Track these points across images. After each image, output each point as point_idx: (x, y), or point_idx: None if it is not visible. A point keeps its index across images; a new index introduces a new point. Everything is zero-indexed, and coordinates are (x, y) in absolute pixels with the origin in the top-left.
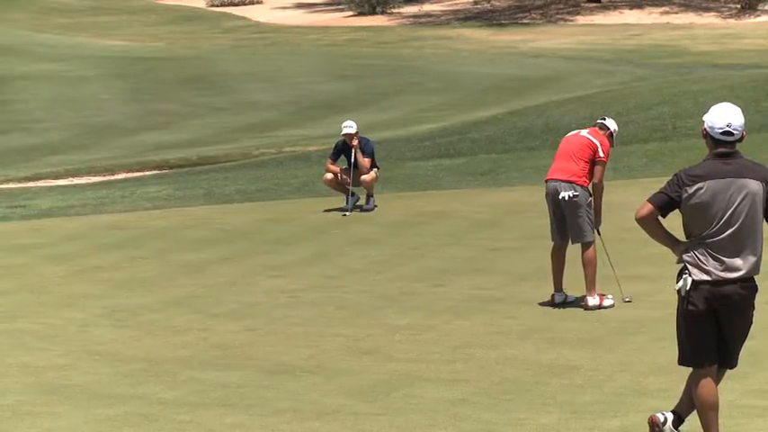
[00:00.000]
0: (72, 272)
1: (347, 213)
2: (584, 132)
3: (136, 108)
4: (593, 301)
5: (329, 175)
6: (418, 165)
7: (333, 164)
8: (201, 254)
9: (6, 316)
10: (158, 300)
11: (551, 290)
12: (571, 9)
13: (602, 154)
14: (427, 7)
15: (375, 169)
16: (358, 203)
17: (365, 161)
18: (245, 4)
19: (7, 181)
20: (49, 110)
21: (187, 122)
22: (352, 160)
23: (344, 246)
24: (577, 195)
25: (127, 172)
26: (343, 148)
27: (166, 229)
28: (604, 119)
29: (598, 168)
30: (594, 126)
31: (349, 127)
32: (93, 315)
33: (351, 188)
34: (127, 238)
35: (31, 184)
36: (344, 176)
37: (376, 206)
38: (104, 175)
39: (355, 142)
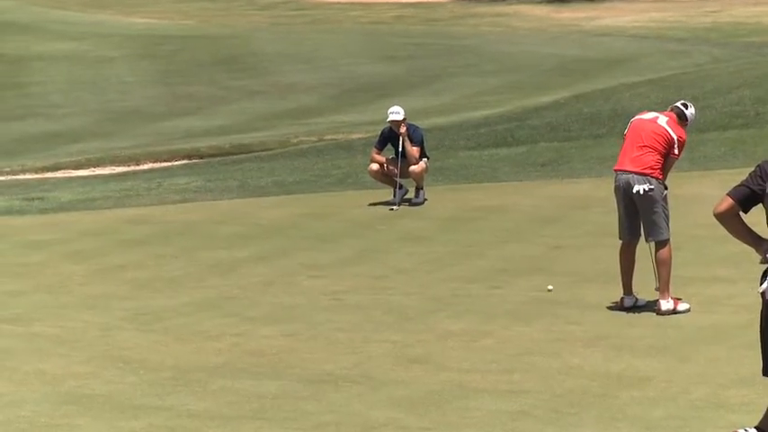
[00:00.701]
0: (93, 271)
1: (394, 208)
2: (661, 120)
3: (163, 92)
4: (666, 305)
5: (375, 166)
6: (473, 154)
7: (378, 153)
8: (235, 251)
9: (22, 319)
10: (187, 302)
11: (620, 292)
12: None
13: (677, 151)
14: None
15: (425, 159)
16: (406, 197)
17: (414, 150)
18: None
19: (23, 171)
20: (69, 94)
21: (219, 108)
22: (400, 149)
23: (392, 243)
24: (653, 189)
25: (153, 162)
26: (389, 136)
27: (196, 225)
28: (686, 106)
29: (668, 163)
30: (672, 111)
31: (396, 113)
32: (116, 318)
33: (398, 180)
34: (153, 234)
35: (49, 174)
36: (391, 167)
37: (426, 200)
38: (129, 165)
39: (403, 130)
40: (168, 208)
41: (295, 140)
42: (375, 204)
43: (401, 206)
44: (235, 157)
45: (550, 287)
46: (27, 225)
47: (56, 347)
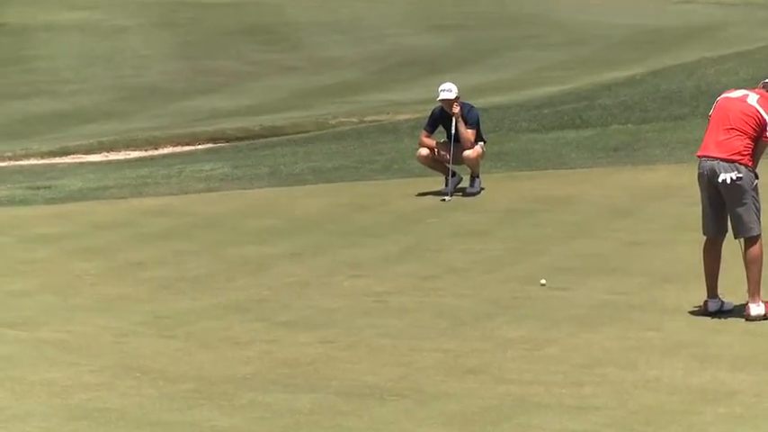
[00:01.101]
0: (106, 269)
1: (447, 198)
2: (751, 99)
3: (184, 66)
4: (756, 309)
5: (424, 151)
6: (535, 137)
7: (428, 136)
8: (266, 248)
9: (28, 323)
10: (212, 304)
11: (703, 295)
12: None
13: None
14: None
15: (481, 143)
16: (460, 186)
17: (468, 133)
18: None
19: (28, 156)
20: (79, 69)
21: (248, 84)
22: (453, 132)
23: (443, 238)
24: (741, 178)
25: (174, 145)
26: (440, 117)
27: (222, 217)
28: None
29: (759, 148)
30: (763, 88)
31: (447, 91)
32: (132, 322)
33: (451, 166)
34: (173, 228)
35: (57, 159)
36: (443, 152)
37: (482, 189)
38: (146, 150)
39: (456, 110)
40: (191, 198)
41: (333, 122)
42: (424, 194)
43: (454, 196)
44: (265, 140)
45: (543, 281)
46: (32, 217)
47: (64, 355)
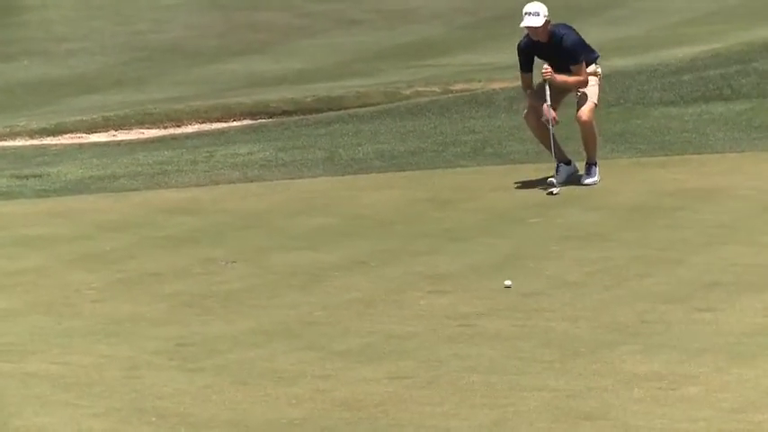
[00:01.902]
0: (114, 281)
1: (555, 191)
2: None
3: (215, 19)
4: None
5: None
6: (671, 112)
7: (530, 79)
8: (320, 254)
9: (12, 352)
10: (251, 328)
11: None
12: None
13: None
14: None
15: (594, 68)
16: (574, 174)
17: (572, 79)
18: None
19: (14, 135)
20: (79, 22)
21: (298, 43)
22: (547, 92)
23: (549, 243)
24: None
25: (201, 122)
26: (533, 48)
27: (264, 215)
28: None
29: None
30: None
31: (533, 15)
32: (147, 351)
33: (552, 128)
34: (201, 229)
35: (50, 140)
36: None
37: (599, 179)
38: (165, 128)
39: (547, 72)
40: (223, 190)
41: (408, 92)
42: (525, 186)
43: (564, 187)
44: (320, 115)
45: (508, 282)
46: (18, 214)
47: (60, 393)
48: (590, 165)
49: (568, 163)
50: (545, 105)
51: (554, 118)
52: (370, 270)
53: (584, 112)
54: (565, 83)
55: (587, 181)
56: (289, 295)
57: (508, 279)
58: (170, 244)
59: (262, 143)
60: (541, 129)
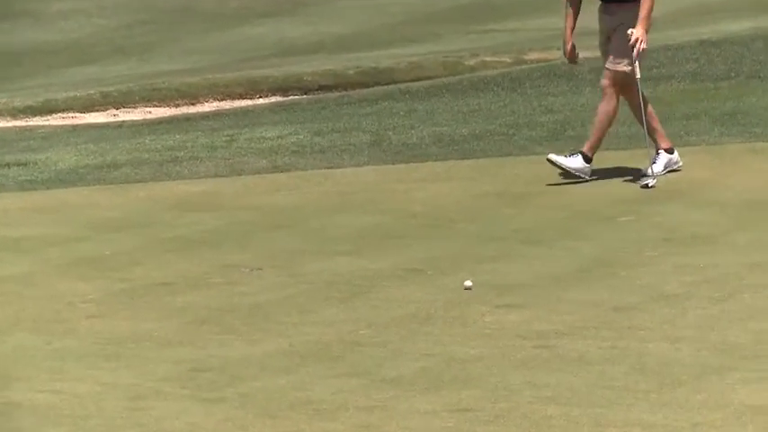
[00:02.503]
0: (115, 293)
1: (651, 182)
2: None
3: None
4: None
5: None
6: None
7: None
8: (365, 260)
9: None
10: (281, 349)
11: None
12: None
13: None
14: None
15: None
16: (675, 164)
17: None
18: None
19: None
20: None
21: (335, 3)
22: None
23: (645, 247)
24: None
25: (220, 99)
26: None
27: (297, 212)
28: None
29: None
30: None
31: None
32: (154, 377)
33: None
34: (220, 229)
35: (37, 120)
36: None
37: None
38: (177, 106)
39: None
40: (247, 182)
41: (472, 62)
42: (615, 176)
43: (661, 178)
44: (365, 91)
45: (468, 282)
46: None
47: (49, 428)
48: (658, 151)
49: (670, 150)
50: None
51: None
52: (425, 279)
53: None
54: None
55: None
56: (327, 310)
57: (469, 280)
58: (182, 247)
59: (294, 125)
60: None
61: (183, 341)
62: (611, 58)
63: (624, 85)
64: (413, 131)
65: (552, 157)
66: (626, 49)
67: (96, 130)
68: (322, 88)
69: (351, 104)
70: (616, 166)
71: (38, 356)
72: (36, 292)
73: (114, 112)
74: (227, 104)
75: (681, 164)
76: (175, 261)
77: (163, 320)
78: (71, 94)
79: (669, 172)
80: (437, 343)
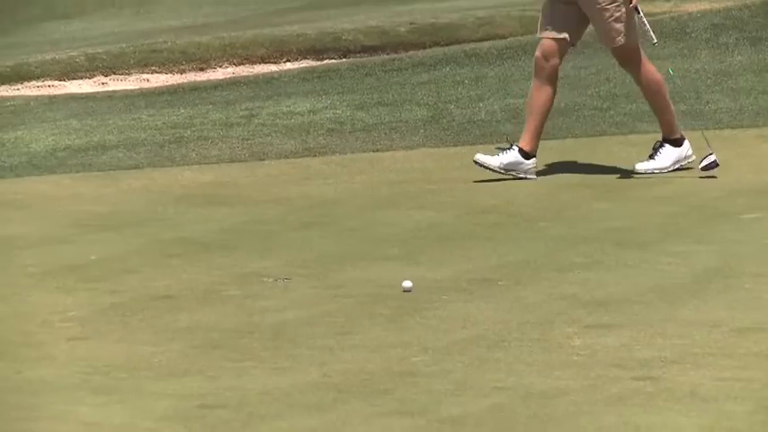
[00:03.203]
0: (102, 309)
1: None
2: None
3: None
4: None
5: None
6: None
7: None
8: (420, 267)
9: None
10: (312, 381)
11: None
12: None
13: None
14: None
15: None
16: None
17: None
18: None
19: None
20: None
21: None
22: None
23: None
24: None
25: (236, 64)
26: None
27: (334, 207)
28: None
29: None
30: None
31: None
32: (152, 415)
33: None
34: (236, 228)
35: (5, 90)
36: None
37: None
38: (182, 72)
39: None
40: (270, 169)
41: None
42: (740, 161)
43: None
44: (420, 53)
45: (407, 284)
46: None
47: None
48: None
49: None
50: None
51: None
52: (497, 292)
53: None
54: None
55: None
56: (371, 331)
57: (407, 281)
58: (189, 251)
59: (330, 96)
60: None
61: (190, 370)
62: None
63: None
64: (481, 104)
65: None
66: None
67: (80, 103)
68: (365, 50)
69: (402, 70)
70: (743, 150)
71: (5, 389)
72: (2, 308)
73: (102, 79)
74: (245, 70)
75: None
76: (180, 269)
77: (163, 344)
78: (48, 56)
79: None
80: (511, 373)
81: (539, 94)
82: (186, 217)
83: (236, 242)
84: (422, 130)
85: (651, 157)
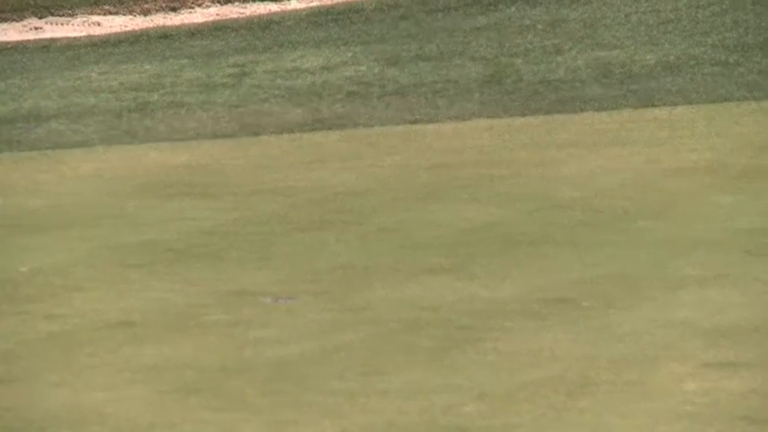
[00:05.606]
0: (36, 340)
1: None
2: None
3: None
4: None
5: None
6: None
7: None
8: (473, 284)
9: None
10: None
11: None
12: None
13: None
14: None
15: None
16: None
17: None
18: None
19: None
20: None
21: None
22: None
23: None
24: None
25: (222, 2)
26: None
27: (356, 199)
28: None
29: None
30: None
31: None
32: None
33: None
34: (222, 229)
35: None
36: None
37: None
38: (145, 12)
39: None
40: (269, 147)
41: None
42: None
43: None
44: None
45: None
46: None
47: None
48: None
49: None
50: None
51: None
52: (579, 317)
53: None
54: None
55: None
56: (407, 371)
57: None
58: (155, 261)
59: (351, 47)
60: None
61: (156, 424)
62: None
63: None
64: (559, 59)
65: None
66: None
67: (4, 56)
68: None
69: (451, 11)
70: None
71: None
72: None
73: (36, 23)
74: (233, 10)
75: None
76: (143, 285)
77: (120, 388)
78: None
79: None
80: (600, 426)
81: None
82: (152, 214)
83: (222, 248)
84: (477, 95)
85: None
